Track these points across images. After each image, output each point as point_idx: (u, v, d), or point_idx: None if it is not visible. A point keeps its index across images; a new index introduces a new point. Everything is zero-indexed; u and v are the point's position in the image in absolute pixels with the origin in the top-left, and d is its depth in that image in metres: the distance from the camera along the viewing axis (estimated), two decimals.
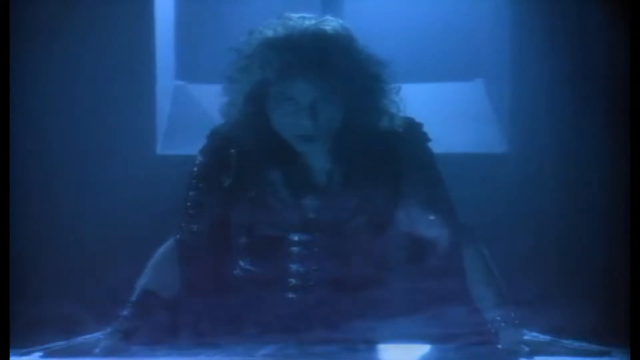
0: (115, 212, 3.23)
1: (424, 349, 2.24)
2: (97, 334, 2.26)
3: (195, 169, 2.42)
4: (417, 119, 2.43)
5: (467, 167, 3.19)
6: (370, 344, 2.26)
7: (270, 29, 2.30)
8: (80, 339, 2.26)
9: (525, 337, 2.23)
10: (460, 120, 3.45)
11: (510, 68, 3.32)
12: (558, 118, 3.26)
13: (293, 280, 2.35)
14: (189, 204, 2.40)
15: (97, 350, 2.25)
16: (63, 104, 3.28)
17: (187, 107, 3.52)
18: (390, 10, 3.52)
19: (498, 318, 2.25)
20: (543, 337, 2.24)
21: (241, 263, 2.39)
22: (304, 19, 2.30)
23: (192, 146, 2.48)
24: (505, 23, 3.36)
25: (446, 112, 3.43)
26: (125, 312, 2.30)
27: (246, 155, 2.38)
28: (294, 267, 2.35)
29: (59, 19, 3.23)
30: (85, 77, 3.27)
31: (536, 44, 3.25)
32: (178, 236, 2.40)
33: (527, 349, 2.21)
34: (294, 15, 2.31)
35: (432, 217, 2.34)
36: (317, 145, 2.33)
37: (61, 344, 2.26)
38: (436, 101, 3.43)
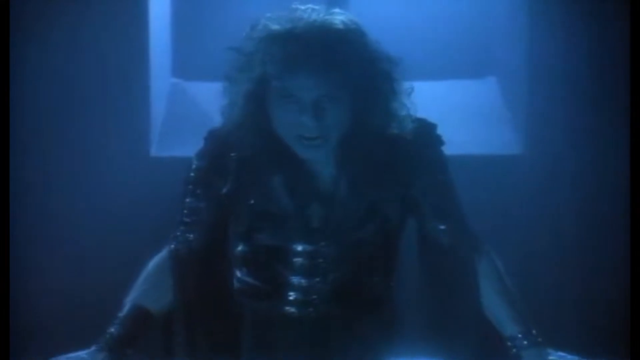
0: (108, 217, 3.24)
1: None
2: (81, 353, 2.17)
3: (191, 174, 2.33)
4: (430, 120, 2.34)
5: (480, 170, 3.18)
6: None
7: (275, 20, 2.20)
8: (62, 358, 2.17)
9: (551, 358, 2.12)
10: (473, 119, 3.43)
11: (526, 65, 3.30)
12: (576, 118, 3.24)
13: (293, 294, 2.27)
14: (185, 211, 2.31)
15: None
16: (53, 102, 3.27)
17: (184, 106, 3.50)
18: (397, 2, 3.52)
19: (519, 335, 2.14)
20: (571, 357, 2.12)
21: (238, 273, 2.32)
22: (311, 11, 2.20)
23: (189, 148, 2.41)
24: (521, 17, 3.33)
25: (457, 111, 3.40)
26: (112, 329, 2.20)
27: (246, 159, 2.29)
28: (295, 279, 2.27)
29: (50, 15, 3.22)
30: (77, 75, 3.30)
31: (553, 39, 3.28)
32: (172, 246, 2.31)
33: None
34: (301, 7, 2.21)
35: (442, 227, 2.26)
36: (321, 148, 2.22)
37: None
38: (447, 100, 3.43)
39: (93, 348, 2.18)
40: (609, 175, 3.19)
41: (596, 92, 3.20)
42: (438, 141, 2.31)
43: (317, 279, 2.26)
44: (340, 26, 2.17)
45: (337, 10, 2.21)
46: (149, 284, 2.26)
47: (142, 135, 3.27)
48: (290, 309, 2.26)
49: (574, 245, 3.26)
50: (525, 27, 3.29)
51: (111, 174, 3.22)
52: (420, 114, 2.34)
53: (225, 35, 2.30)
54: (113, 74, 3.23)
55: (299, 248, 2.26)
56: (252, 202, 2.26)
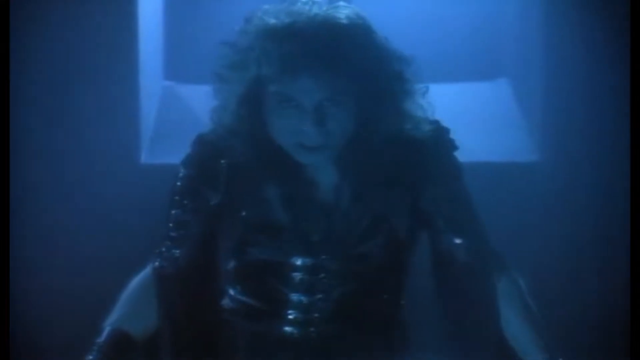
0: (99, 225, 3.21)
1: None
2: None
3: (178, 183, 2.24)
4: (443, 123, 2.25)
5: (492, 178, 3.15)
6: None
7: (272, 14, 2.09)
8: None
9: None
10: (484, 124, 3.42)
11: (540, 65, 3.25)
12: (594, 123, 3.20)
13: (292, 313, 2.18)
14: (171, 224, 2.23)
15: None
16: (40, 107, 3.24)
17: (177, 110, 3.49)
18: (403, 1, 3.52)
19: None
20: None
21: (230, 291, 2.23)
22: (312, 4, 2.10)
23: (182, 155, 2.33)
24: (534, 15, 3.29)
25: (467, 115, 3.37)
26: (90, 356, 2.11)
27: (238, 167, 2.20)
28: (294, 296, 2.18)
29: (37, 16, 3.19)
30: (62, 77, 3.22)
31: (569, 38, 3.18)
32: (157, 263, 2.22)
33: None
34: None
35: (457, 241, 2.15)
36: (323, 156, 2.14)
37: None
38: (457, 103, 3.36)
39: None
40: (629, 182, 3.03)
41: (616, 94, 3.13)
42: (451, 146, 2.20)
43: (319, 296, 2.17)
44: (345, 21, 2.06)
45: (341, 3, 2.11)
46: (130, 306, 2.18)
47: (132, 141, 3.21)
48: (289, 329, 2.18)
49: (590, 256, 3.21)
50: (538, 25, 3.24)
51: (100, 181, 3.18)
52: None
53: (220, 35, 2.21)
54: (101, 76, 3.17)
55: (298, 262, 2.17)
56: (244, 213, 2.17)
